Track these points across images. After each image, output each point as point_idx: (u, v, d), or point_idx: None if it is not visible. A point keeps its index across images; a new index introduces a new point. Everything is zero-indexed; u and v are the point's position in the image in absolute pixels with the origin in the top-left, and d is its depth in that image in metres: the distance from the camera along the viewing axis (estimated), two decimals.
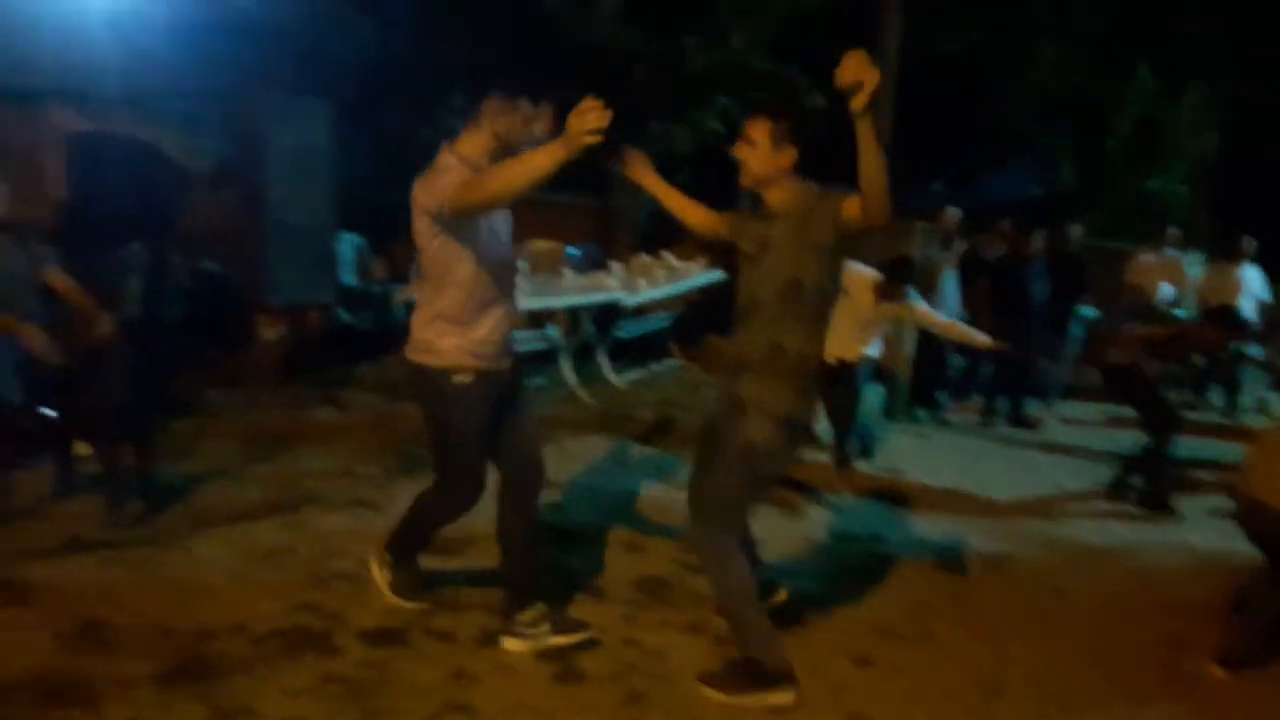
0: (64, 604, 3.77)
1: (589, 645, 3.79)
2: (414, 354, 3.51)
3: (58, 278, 5.37)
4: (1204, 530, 6.02)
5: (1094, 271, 10.84)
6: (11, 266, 5.20)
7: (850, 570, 4.90)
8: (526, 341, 8.01)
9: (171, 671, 3.34)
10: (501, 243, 3.61)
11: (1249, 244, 9.50)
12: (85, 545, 4.35)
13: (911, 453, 7.18)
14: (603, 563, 4.65)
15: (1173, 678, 4.14)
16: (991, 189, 16.68)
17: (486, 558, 4.17)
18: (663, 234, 10.02)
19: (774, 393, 3.34)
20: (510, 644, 3.71)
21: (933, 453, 7.32)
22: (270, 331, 8.09)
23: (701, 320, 9.55)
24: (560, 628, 3.74)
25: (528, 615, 3.70)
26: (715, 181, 12.03)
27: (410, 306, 8.47)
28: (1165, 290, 9.75)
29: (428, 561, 4.14)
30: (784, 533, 5.31)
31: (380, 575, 3.92)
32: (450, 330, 3.43)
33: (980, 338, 6.39)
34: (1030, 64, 13.74)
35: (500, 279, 3.53)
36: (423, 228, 3.37)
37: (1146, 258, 9.92)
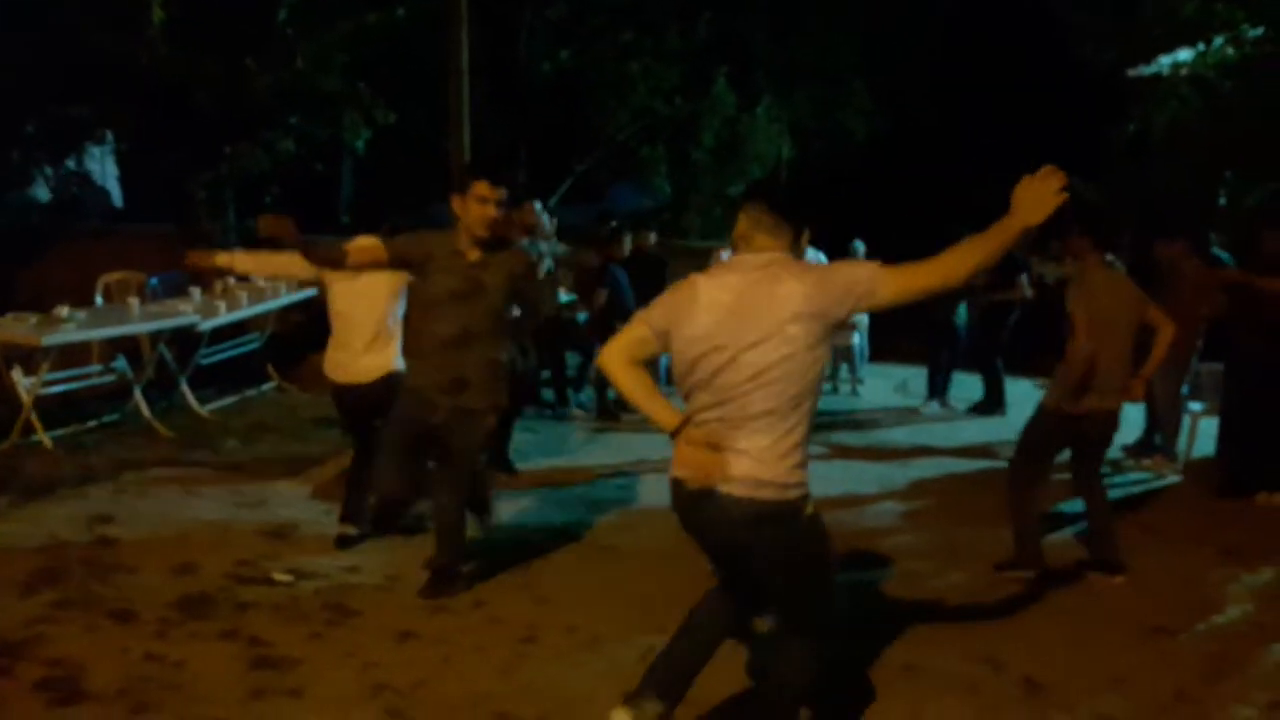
0: None
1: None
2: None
3: None
4: None
5: (687, 268, 11.84)
6: None
7: (416, 554, 4.96)
8: (93, 376, 7.49)
9: None
10: None
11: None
12: None
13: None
14: (143, 589, 4.42)
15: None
16: (615, 202, 17.59)
17: None
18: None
19: (495, 396, 4.36)
20: None
21: (539, 441, 7.53)
22: None
23: (298, 339, 9.31)
24: None
25: None
26: (305, 199, 11.89)
27: None
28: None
29: None
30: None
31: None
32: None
33: None
34: (625, 82, 14.61)
35: None
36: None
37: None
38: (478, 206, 4.10)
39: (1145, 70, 11.32)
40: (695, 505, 2.92)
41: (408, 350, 4.59)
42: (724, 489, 2.83)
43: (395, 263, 4.26)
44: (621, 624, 4.29)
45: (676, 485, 2.97)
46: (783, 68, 15.87)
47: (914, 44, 16.43)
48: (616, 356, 2.99)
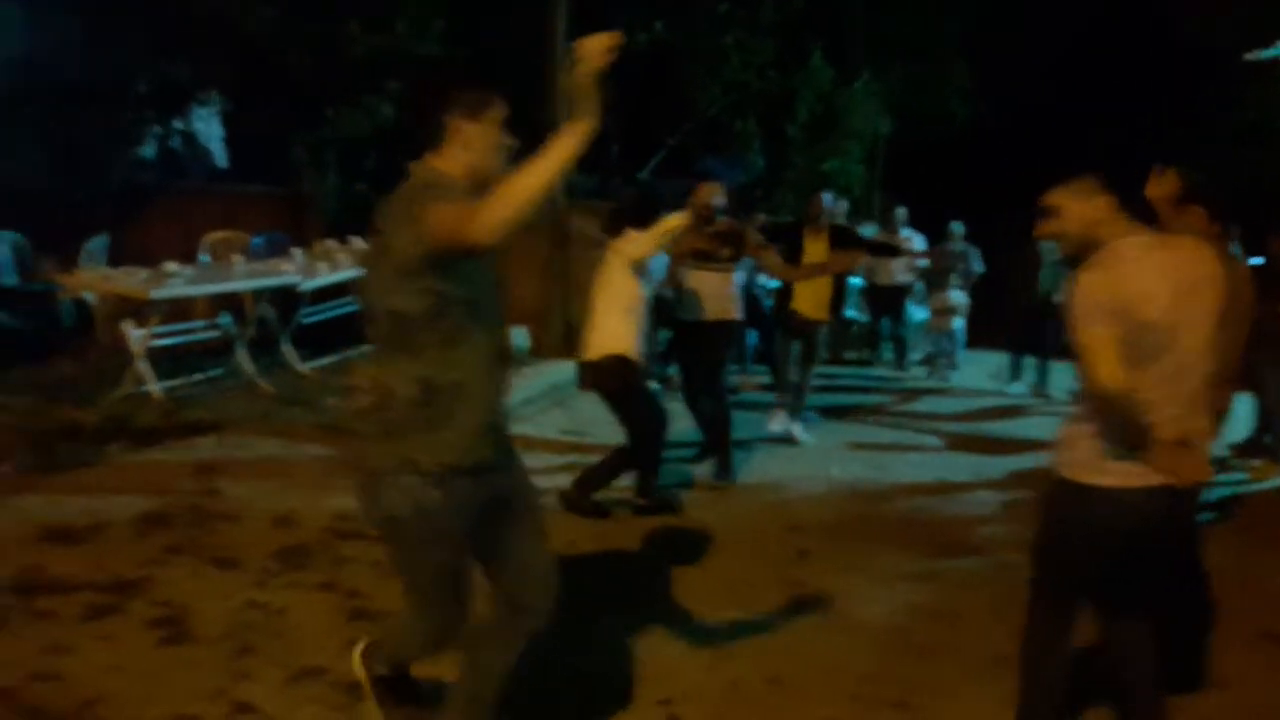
0: None
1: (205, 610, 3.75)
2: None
3: None
4: (846, 463, 6.60)
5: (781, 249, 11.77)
6: None
7: None
8: (198, 332, 7.73)
9: None
10: None
11: (900, 214, 10.41)
12: None
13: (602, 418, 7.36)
14: (245, 538, 4.58)
15: (789, 585, 4.54)
16: (705, 177, 17.46)
17: None
18: (356, 220, 9.89)
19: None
20: None
21: None
22: None
23: None
24: None
25: None
26: (404, 165, 12.02)
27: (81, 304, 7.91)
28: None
29: None
30: None
31: None
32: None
33: None
34: (719, 55, 14.47)
35: None
36: None
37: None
38: (497, 135, 2.68)
39: (1263, 54, 10.82)
40: (1165, 508, 2.79)
41: (456, 367, 2.56)
42: (1202, 479, 2.79)
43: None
44: (706, 598, 4.29)
45: (1150, 495, 2.75)
46: (881, 43, 15.59)
47: (1015, 22, 16.00)
48: (1119, 373, 2.63)
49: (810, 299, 6.87)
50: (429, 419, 2.53)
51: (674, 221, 5.08)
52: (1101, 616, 3.09)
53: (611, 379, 5.16)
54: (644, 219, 5.20)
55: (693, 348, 6.25)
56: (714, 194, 5.87)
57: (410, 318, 2.47)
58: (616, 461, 5.37)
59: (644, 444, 5.31)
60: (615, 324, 5.14)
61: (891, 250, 8.72)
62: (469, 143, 2.64)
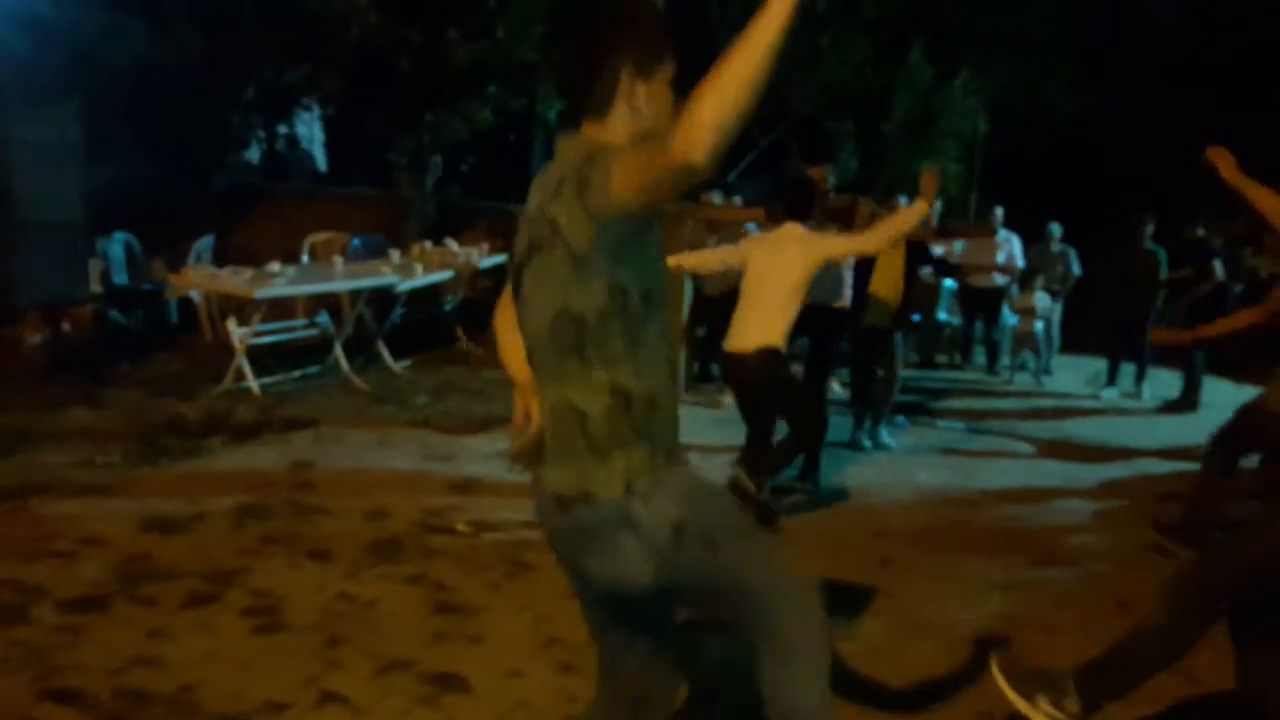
0: None
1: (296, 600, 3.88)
2: None
3: None
4: (934, 469, 6.49)
5: None
6: None
7: None
8: (298, 330, 7.98)
9: None
10: None
11: (997, 214, 10.16)
12: None
13: (690, 423, 7.38)
14: (338, 531, 4.72)
15: (874, 593, 4.48)
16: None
17: None
18: (451, 223, 10.13)
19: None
20: None
21: (710, 423, 7.58)
22: (34, 335, 7.85)
23: (487, 304, 9.62)
24: None
25: None
26: (499, 169, 12.24)
27: (186, 302, 8.24)
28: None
29: None
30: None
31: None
32: None
33: None
34: (816, 54, 14.38)
35: None
36: None
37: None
38: (670, 98, 2.01)
39: None
40: None
41: (643, 375, 2.04)
42: None
43: None
44: None
45: None
46: (982, 36, 15.31)
47: (1120, 14, 15.55)
48: None
49: (878, 307, 6.69)
50: (633, 427, 2.02)
51: (920, 209, 4.58)
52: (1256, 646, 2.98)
53: (761, 372, 4.92)
54: (802, 209, 5.04)
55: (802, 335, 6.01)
56: (828, 174, 5.84)
57: (587, 320, 1.95)
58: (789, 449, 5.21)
59: (795, 439, 5.13)
60: (775, 318, 4.84)
61: (953, 269, 8.55)
62: (639, 106, 1.99)
